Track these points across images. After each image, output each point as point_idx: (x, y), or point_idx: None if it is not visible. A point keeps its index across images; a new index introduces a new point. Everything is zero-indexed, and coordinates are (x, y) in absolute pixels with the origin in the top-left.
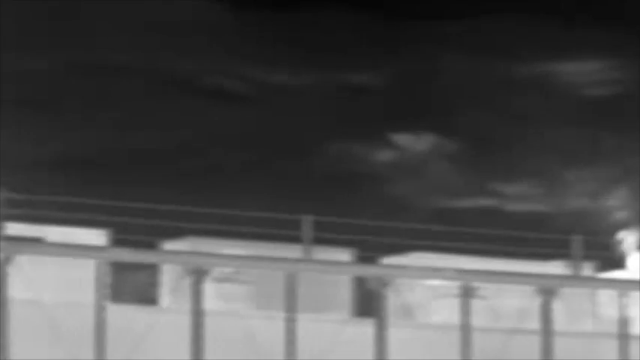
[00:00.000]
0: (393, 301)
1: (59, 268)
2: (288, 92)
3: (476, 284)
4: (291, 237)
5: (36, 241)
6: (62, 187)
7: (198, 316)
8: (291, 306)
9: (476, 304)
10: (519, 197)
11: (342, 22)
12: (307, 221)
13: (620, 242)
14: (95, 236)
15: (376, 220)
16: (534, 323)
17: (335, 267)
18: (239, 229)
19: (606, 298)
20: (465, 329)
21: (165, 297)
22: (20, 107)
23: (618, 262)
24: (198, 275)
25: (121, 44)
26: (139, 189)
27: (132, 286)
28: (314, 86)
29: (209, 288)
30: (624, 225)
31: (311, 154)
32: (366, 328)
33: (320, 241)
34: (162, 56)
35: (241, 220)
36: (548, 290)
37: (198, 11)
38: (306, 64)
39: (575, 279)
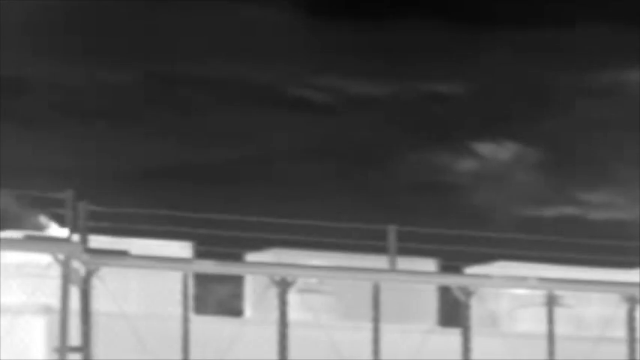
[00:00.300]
0: (477, 310)
1: (143, 281)
2: (369, 102)
3: (560, 293)
4: (375, 247)
5: (121, 254)
6: (144, 199)
7: (283, 327)
8: (376, 316)
9: (560, 313)
10: (602, 205)
11: (424, 31)
12: (391, 231)
13: None
14: (179, 248)
15: (459, 230)
16: (619, 331)
17: (420, 277)
18: (322, 239)
19: None
20: (550, 338)
21: (249, 308)
22: (101, 119)
23: None
24: (284, 286)
25: (201, 56)
26: (221, 200)
27: (215, 297)
28: (395, 95)
29: (293, 299)
30: None
31: (393, 164)
32: (451, 338)
33: (404, 251)
34: (242, 67)
35: (324, 231)
36: (632, 298)
37: (278, 21)
38: (387, 74)
39: None
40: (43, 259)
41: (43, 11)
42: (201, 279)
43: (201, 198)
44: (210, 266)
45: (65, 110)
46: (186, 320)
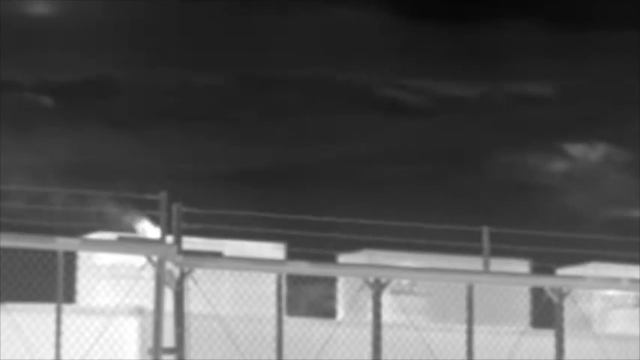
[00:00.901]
0: (570, 311)
1: (236, 282)
2: (460, 103)
3: None
4: (468, 248)
5: (215, 255)
6: (238, 200)
7: (377, 328)
8: (470, 318)
9: None
10: None
11: (515, 32)
12: (485, 232)
13: None
14: (272, 250)
15: (551, 231)
16: None
17: (513, 278)
18: (415, 241)
19: None
20: None
21: (341, 310)
22: (195, 122)
23: None
24: (378, 288)
25: (295, 57)
26: (314, 202)
27: (308, 299)
28: (486, 97)
29: (386, 300)
30: None
31: (484, 165)
32: (544, 339)
33: (497, 252)
34: (338, 69)
35: (417, 232)
36: None
37: (371, 23)
38: (478, 75)
39: None
40: (137, 260)
41: (137, 12)
42: (294, 280)
43: (294, 199)
44: (304, 267)
45: (159, 112)
46: (279, 322)
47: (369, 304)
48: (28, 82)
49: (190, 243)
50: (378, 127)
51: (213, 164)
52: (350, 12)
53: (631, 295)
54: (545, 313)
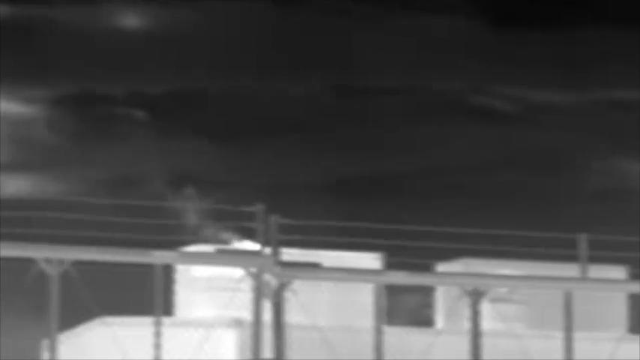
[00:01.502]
0: None
1: (334, 292)
2: (554, 110)
3: None
4: (565, 256)
5: (312, 266)
6: (334, 211)
7: (476, 336)
8: (568, 324)
9: None
10: None
11: (607, 38)
12: (582, 239)
13: None
14: (370, 260)
15: None
16: None
17: (611, 284)
18: (511, 249)
19: None
20: None
21: (440, 318)
22: (292, 133)
23: None
24: (476, 296)
25: (388, 67)
26: (410, 211)
27: (406, 308)
28: (580, 103)
29: (484, 308)
30: None
31: (580, 172)
32: None
33: (592, 258)
34: (432, 78)
35: (514, 240)
36: None
37: (463, 32)
38: (571, 82)
39: None
40: (235, 272)
41: (233, 24)
42: (392, 290)
43: (389, 209)
44: (402, 277)
45: (255, 124)
46: (378, 331)
47: (468, 312)
48: (122, 96)
49: (288, 254)
50: (472, 134)
51: (309, 175)
52: (444, 22)
53: None
54: None
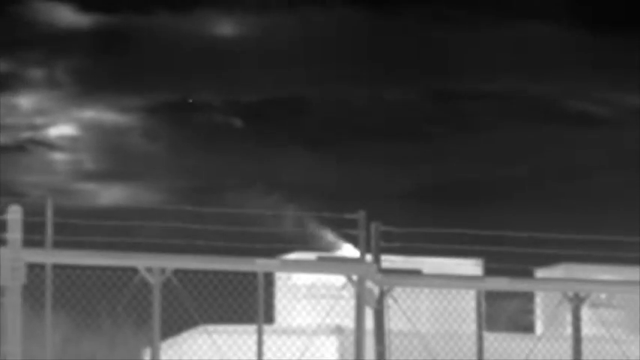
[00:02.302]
0: None
1: (435, 299)
2: None
3: None
4: None
5: (414, 273)
6: (432, 217)
7: (578, 342)
8: None
9: None
10: None
11: None
12: None
13: None
14: (469, 266)
15: None
16: None
17: None
18: (612, 254)
19: None
20: None
21: (540, 324)
22: (389, 138)
23: None
24: (577, 302)
25: (484, 71)
26: (508, 217)
27: (506, 314)
28: None
29: (584, 313)
30: None
31: None
32: None
33: None
34: (529, 82)
35: (613, 245)
36: None
37: (562, 36)
38: None
39: None
40: (336, 280)
41: (328, 29)
42: (492, 296)
43: (487, 215)
44: (504, 283)
45: (352, 130)
46: (480, 338)
47: (568, 317)
48: (218, 103)
49: (389, 261)
50: (568, 139)
51: (406, 181)
52: (539, 26)
53: None
54: None
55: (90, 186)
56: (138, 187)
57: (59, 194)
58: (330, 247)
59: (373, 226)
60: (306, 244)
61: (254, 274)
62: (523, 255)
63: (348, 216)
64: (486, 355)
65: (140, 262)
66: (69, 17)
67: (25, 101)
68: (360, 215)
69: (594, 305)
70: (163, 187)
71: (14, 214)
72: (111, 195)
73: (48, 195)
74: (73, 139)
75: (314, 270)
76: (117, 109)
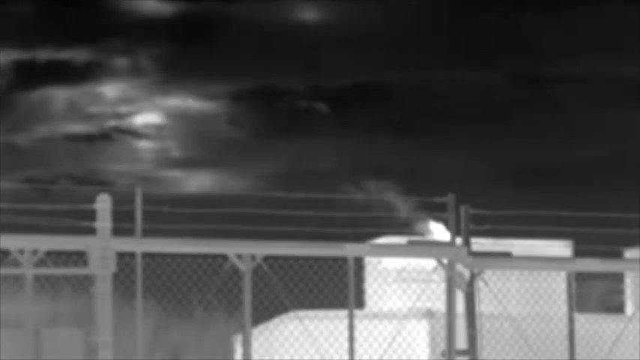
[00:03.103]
0: None
1: (526, 281)
2: None
3: None
4: None
5: (504, 256)
6: (520, 199)
7: None
8: None
9: None
10: None
11: None
12: None
13: None
14: (560, 247)
15: None
16: None
17: None
18: None
19: None
20: None
21: (630, 304)
22: (472, 122)
23: None
24: None
25: (567, 53)
26: (595, 198)
27: (596, 295)
28: None
29: None
30: None
31: None
32: None
33: None
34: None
35: None
36: None
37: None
38: None
39: None
40: (426, 263)
41: (409, 13)
42: (582, 277)
43: (574, 197)
44: (594, 264)
45: (435, 114)
46: (571, 319)
47: None
48: (302, 89)
49: (478, 244)
50: None
51: (491, 164)
52: (620, 6)
53: None
54: None
55: (176, 173)
56: (224, 174)
57: (146, 182)
58: (420, 231)
59: (462, 209)
60: (396, 229)
61: (344, 259)
62: (612, 236)
63: (437, 199)
64: (577, 336)
65: (230, 249)
66: (152, 6)
67: (109, 90)
68: (450, 198)
69: None
70: (249, 174)
71: (103, 203)
72: (197, 182)
73: (137, 183)
74: (158, 127)
75: (404, 254)
76: (202, 97)
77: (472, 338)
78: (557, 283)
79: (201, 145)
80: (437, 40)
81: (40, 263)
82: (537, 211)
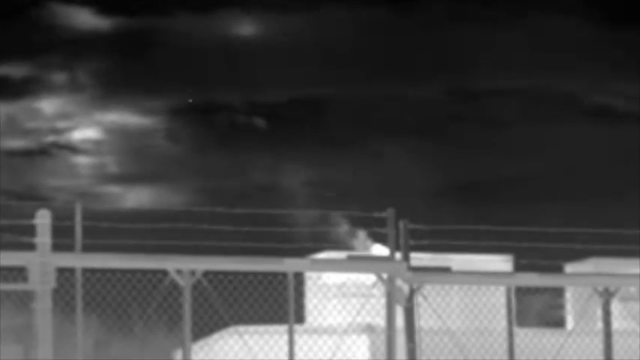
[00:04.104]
0: None
1: (465, 296)
2: None
3: None
4: None
5: (443, 271)
6: (458, 214)
7: (608, 337)
8: None
9: None
10: None
11: None
12: None
13: None
14: (500, 262)
15: None
16: None
17: None
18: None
19: None
20: None
21: (571, 319)
22: (410, 136)
23: None
24: (607, 296)
25: (501, 68)
26: (534, 212)
27: (536, 309)
28: None
29: (615, 308)
30: None
31: None
32: None
33: None
34: (543, 78)
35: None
36: None
37: (580, 29)
38: None
39: None
40: (366, 278)
41: (344, 28)
42: (522, 291)
43: (514, 211)
44: (534, 279)
45: (372, 129)
46: (510, 334)
47: (599, 312)
48: (240, 104)
49: (418, 259)
50: (587, 134)
51: (431, 179)
52: (559, 21)
53: None
54: None
55: (114, 189)
56: (162, 189)
57: (84, 198)
58: (359, 246)
59: (402, 224)
60: (335, 244)
61: (284, 274)
62: (552, 250)
63: (376, 214)
64: (517, 351)
65: (170, 264)
66: (89, 20)
67: (47, 105)
68: (389, 213)
69: (624, 299)
70: (187, 189)
71: (43, 218)
72: (136, 197)
73: (76, 199)
74: (96, 143)
75: (344, 269)
76: (140, 112)
77: (412, 353)
78: (496, 298)
79: (139, 160)
80: (373, 55)
81: None
82: (477, 226)
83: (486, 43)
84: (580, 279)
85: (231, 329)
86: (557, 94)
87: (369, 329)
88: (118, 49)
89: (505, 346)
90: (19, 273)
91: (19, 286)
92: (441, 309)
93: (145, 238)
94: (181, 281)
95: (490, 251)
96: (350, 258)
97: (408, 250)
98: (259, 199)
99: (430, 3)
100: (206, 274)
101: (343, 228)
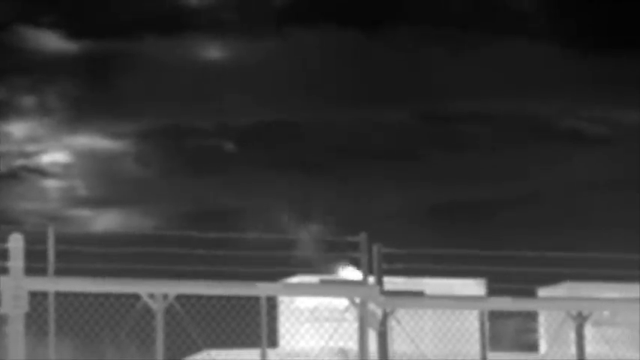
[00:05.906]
0: None
1: (438, 320)
2: None
3: None
4: None
5: (416, 294)
6: (431, 237)
7: None
8: None
9: None
10: None
11: None
12: None
13: None
14: (472, 286)
15: None
16: None
17: None
18: (613, 272)
19: None
20: None
21: (544, 343)
22: (381, 160)
23: None
24: (580, 320)
25: (472, 92)
26: (508, 237)
27: (510, 333)
28: None
29: (588, 332)
30: None
31: None
32: None
33: None
34: (515, 102)
35: (615, 263)
36: None
37: (546, 54)
38: None
39: None
40: (339, 302)
41: (312, 51)
42: (495, 315)
43: (486, 235)
44: (507, 303)
45: (342, 153)
46: (484, 358)
47: (572, 336)
48: (210, 128)
49: (391, 283)
50: (557, 158)
51: (403, 203)
52: (525, 44)
53: None
54: None
55: (84, 212)
56: (132, 213)
57: (54, 221)
58: (332, 270)
59: (375, 248)
60: (308, 268)
61: (256, 299)
62: (525, 274)
63: (349, 239)
64: None
65: (142, 288)
66: (57, 44)
67: (16, 129)
68: (362, 237)
69: (597, 323)
70: (157, 213)
71: (16, 242)
72: (105, 221)
73: (47, 223)
74: (65, 166)
75: (316, 293)
76: (109, 135)
77: None
78: (470, 322)
79: (108, 183)
80: (343, 79)
81: None
82: (450, 250)
83: (456, 67)
84: (553, 303)
85: (204, 353)
86: (528, 117)
87: (342, 353)
88: (87, 72)
89: None
90: None
91: None
92: (414, 333)
93: (117, 262)
94: (154, 305)
95: (463, 275)
96: (322, 282)
97: (381, 274)
98: (230, 223)
99: (399, 27)
100: (178, 297)
101: (316, 252)
